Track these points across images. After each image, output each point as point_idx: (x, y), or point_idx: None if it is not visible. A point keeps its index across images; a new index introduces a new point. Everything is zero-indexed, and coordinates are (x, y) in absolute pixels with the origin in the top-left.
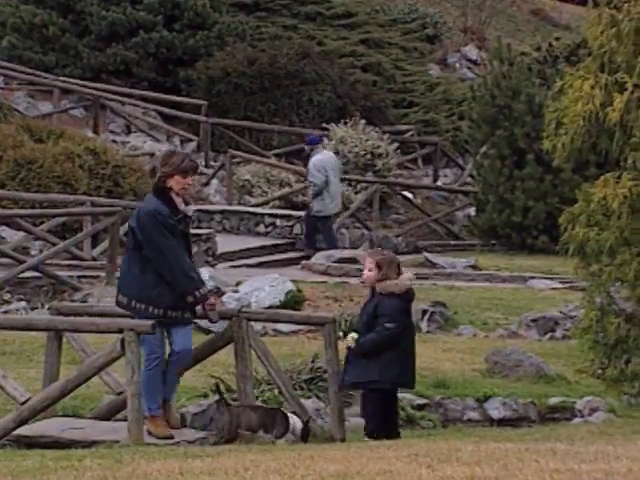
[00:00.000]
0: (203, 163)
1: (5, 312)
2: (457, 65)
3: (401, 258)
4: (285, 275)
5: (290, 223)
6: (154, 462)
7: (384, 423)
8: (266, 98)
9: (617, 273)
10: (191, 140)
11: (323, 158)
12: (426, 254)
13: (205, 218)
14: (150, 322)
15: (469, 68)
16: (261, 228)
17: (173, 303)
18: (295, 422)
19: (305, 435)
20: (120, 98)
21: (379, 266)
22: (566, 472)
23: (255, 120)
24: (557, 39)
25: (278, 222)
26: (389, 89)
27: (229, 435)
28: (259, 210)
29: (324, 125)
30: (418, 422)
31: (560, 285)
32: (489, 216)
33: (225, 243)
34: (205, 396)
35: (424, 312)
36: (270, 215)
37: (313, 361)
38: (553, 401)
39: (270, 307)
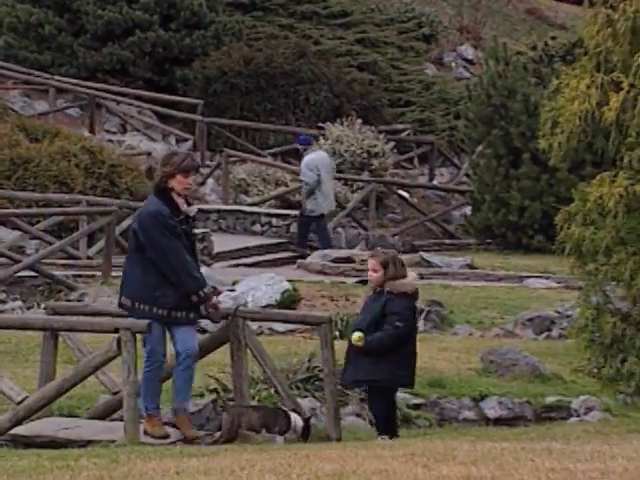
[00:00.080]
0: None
1: (1, 311)
2: (453, 64)
3: None
4: (281, 274)
5: (286, 222)
6: (150, 461)
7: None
8: (262, 97)
9: (613, 272)
10: (187, 139)
11: (315, 157)
12: (422, 253)
13: (201, 217)
14: (145, 322)
15: (465, 67)
16: (257, 227)
17: (177, 303)
18: (296, 420)
19: (306, 433)
20: (116, 97)
21: (384, 266)
22: (562, 471)
23: (251, 119)
24: (553, 38)
25: (274, 221)
26: (385, 88)
27: (229, 435)
28: (255, 209)
29: (320, 124)
30: (414, 421)
31: (556, 284)
32: (485, 215)
33: (221, 242)
34: (201, 396)
35: (420, 311)
36: (266, 214)
37: (309, 360)
38: (549, 400)
39: (266, 306)
